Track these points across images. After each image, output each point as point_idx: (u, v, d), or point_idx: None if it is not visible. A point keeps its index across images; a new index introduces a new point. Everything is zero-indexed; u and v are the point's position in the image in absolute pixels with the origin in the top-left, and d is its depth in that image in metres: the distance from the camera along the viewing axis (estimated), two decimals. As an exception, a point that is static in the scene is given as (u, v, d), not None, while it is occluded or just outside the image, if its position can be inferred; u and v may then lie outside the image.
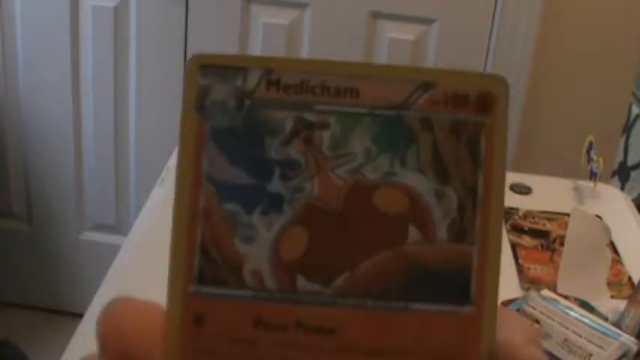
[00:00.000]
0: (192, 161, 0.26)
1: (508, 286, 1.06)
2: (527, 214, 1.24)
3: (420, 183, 0.24)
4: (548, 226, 1.21)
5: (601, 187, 1.34)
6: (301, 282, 0.24)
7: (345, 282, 0.24)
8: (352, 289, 0.24)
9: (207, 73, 0.25)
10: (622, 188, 1.88)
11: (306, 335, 0.24)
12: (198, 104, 0.25)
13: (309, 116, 0.24)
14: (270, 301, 0.24)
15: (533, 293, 0.86)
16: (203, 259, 0.24)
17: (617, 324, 0.88)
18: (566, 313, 0.83)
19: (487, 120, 0.24)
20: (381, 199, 0.24)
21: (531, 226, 1.21)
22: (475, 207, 0.24)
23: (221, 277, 0.24)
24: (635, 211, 1.31)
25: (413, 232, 0.23)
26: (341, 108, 0.24)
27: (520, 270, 1.10)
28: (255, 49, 1.96)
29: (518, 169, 1.98)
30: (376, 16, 1.92)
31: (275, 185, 0.24)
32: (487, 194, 0.24)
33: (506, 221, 1.22)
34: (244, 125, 0.24)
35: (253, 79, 0.24)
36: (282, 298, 0.24)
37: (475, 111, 0.24)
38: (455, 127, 0.24)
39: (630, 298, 0.93)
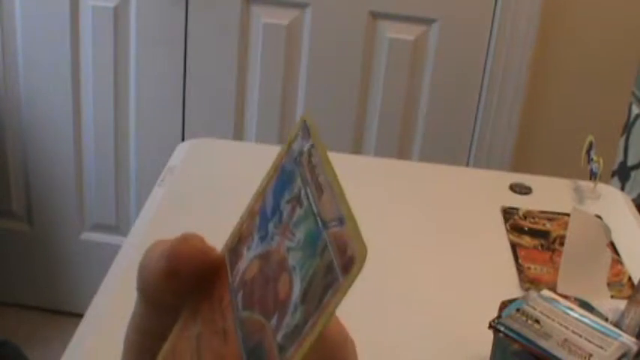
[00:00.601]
0: (269, 178, 0.32)
1: (508, 286, 1.06)
2: (527, 214, 1.24)
3: (297, 289, 0.27)
4: (548, 226, 1.21)
5: (601, 187, 1.34)
6: (239, 297, 0.30)
7: (242, 317, 0.29)
8: (241, 327, 0.29)
9: (304, 128, 0.31)
10: (622, 188, 1.87)
11: (212, 334, 0.30)
12: (290, 146, 0.31)
13: (305, 192, 0.29)
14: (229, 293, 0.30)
15: (533, 293, 0.86)
16: (233, 244, 0.32)
17: (617, 324, 0.88)
18: (566, 313, 0.83)
19: (341, 280, 0.25)
20: (282, 283, 0.27)
21: (531, 226, 1.21)
22: (294, 340, 0.26)
23: (232, 259, 0.31)
24: (635, 211, 1.31)
25: (274, 320, 0.27)
26: (312, 201, 0.28)
27: (520, 270, 1.10)
28: (255, 49, 1.96)
29: (518, 169, 1.98)
30: (376, 16, 1.92)
31: (271, 225, 0.30)
32: (302, 343, 0.26)
33: (506, 221, 1.22)
34: (289, 173, 0.30)
35: (307, 145, 0.30)
36: (231, 300, 0.30)
37: (342, 264, 0.25)
38: (328, 268, 0.26)
39: (630, 298, 0.93)
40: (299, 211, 0.28)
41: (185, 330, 0.32)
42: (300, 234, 0.28)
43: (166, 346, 0.32)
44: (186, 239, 0.32)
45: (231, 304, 0.30)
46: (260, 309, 0.28)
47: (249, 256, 0.30)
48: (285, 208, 0.29)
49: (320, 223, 0.27)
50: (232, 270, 0.31)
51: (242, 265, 0.30)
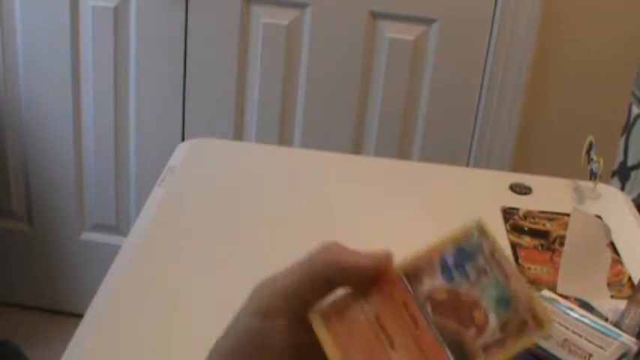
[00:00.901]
0: (447, 243, 0.48)
1: (508, 286, 1.06)
2: (527, 214, 1.24)
3: (493, 322, 0.44)
4: (548, 226, 1.21)
5: (601, 187, 1.34)
6: (427, 306, 0.46)
7: (435, 319, 0.46)
8: (434, 325, 0.46)
9: (481, 229, 0.47)
10: (622, 188, 1.88)
11: (397, 317, 0.47)
12: (466, 236, 0.47)
13: (490, 270, 0.46)
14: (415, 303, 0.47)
15: (533, 293, 0.86)
16: (408, 268, 0.49)
17: (617, 324, 0.88)
18: (566, 313, 0.83)
19: (534, 330, 0.43)
20: (478, 313, 0.45)
21: (531, 226, 1.21)
22: (496, 348, 0.44)
23: (409, 277, 0.48)
24: (635, 211, 1.31)
25: (471, 331, 0.45)
26: (499, 277, 0.45)
27: (520, 270, 1.10)
28: (255, 49, 1.96)
29: (518, 169, 1.98)
30: (376, 16, 1.92)
31: (456, 274, 0.46)
32: None
33: (506, 221, 1.22)
34: (469, 251, 0.47)
35: (487, 244, 0.47)
36: (418, 304, 0.47)
37: (535, 322, 0.43)
38: (522, 321, 0.44)
39: (630, 298, 0.93)
40: (487, 278, 0.45)
41: (348, 304, 0.47)
42: (491, 292, 0.45)
43: (326, 309, 0.47)
44: (384, 257, 0.48)
45: (419, 307, 0.46)
46: (456, 320, 0.45)
47: (432, 283, 0.46)
48: (472, 270, 0.46)
49: (510, 293, 0.44)
50: (412, 285, 0.47)
51: (425, 287, 0.46)
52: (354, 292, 0.48)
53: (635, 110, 1.92)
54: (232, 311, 0.50)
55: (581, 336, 0.80)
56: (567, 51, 1.96)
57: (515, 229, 1.20)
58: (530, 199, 1.30)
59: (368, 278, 0.47)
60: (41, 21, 1.99)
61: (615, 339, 0.80)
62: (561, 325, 0.81)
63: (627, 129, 1.94)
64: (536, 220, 1.23)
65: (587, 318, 0.82)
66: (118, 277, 1.03)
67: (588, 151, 1.30)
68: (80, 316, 0.96)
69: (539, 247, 1.16)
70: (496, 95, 1.96)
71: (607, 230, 1.04)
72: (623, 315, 0.90)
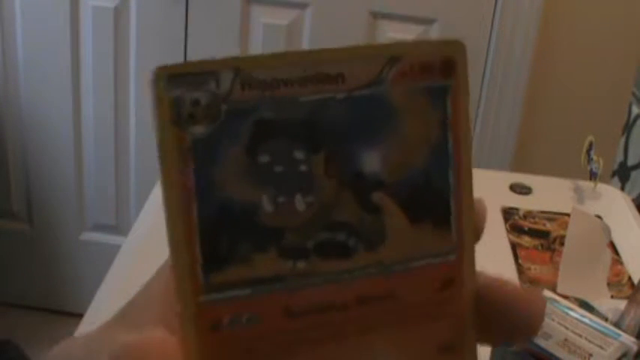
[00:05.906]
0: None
1: (508, 286, 1.06)
2: (527, 214, 1.24)
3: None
4: (548, 226, 1.21)
5: (601, 187, 1.34)
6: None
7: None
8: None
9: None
10: (622, 188, 1.87)
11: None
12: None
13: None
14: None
15: (533, 293, 0.86)
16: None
17: (617, 324, 0.88)
18: (566, 313, 0.83)
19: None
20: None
21: (531, 226, 1.21)
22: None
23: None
24: (635, 211, 1.31)
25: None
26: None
27: (520, 270, 1.10)
28: (256, 49, 1.96)
29: (518, 169, 1.98)
30: (376, 16, 1.92)
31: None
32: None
33: (506, 221, 1.22)
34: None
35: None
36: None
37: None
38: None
39: (630, 298, 0.93)
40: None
41: None
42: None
43: None
44: None
45: None
46: None
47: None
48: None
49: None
50: None
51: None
52: None
53: (635, 110, 1.92)
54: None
55: (581, 336, 0.80)
56: (567, 51, 1.96)
57: (515, 229, 1.20)
58: (530, 199, 1.30)
59: None
60: (41, 21, 1.99)
61: (615, 339, 0.80)
62: (561, 325, 0.81)
63: (627, 129, 1.94)
64: (536, 220, 1.23)
65: (587, 318, 0.82)
66: (118, 277, 1.03)
67: (588, 151, 1.30)
68: (80, 316, 0.96)
69: (539, 247, 1.16)
70: (496, 95, 1.96)
71: (607, 230, 1.04)
72: (623, 315, 0.90)
